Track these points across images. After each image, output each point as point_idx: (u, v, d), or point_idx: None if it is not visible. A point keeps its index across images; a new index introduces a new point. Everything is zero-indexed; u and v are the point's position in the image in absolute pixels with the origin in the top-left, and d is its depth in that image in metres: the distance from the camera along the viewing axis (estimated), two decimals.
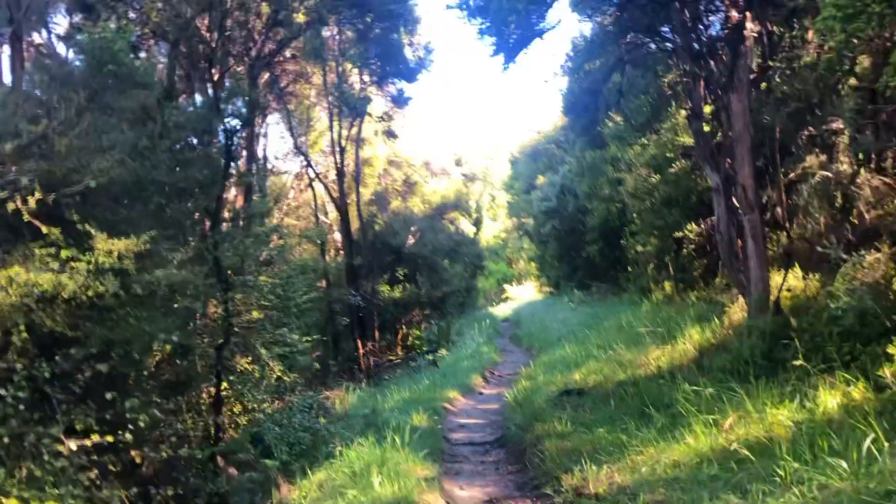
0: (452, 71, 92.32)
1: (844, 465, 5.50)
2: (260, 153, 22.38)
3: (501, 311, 40.92)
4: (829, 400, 7.63)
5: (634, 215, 20.18)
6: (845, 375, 8.02)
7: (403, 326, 24.49)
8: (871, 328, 8.55)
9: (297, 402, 12.62)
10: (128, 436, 6.69)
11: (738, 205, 11.92)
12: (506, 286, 53.43)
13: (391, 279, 23.89)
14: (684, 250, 15.61)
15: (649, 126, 17.46)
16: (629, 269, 21.37)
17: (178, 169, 9.79)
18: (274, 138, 45.91)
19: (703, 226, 14.96)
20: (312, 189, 21.51)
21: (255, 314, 12.99)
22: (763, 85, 13.14)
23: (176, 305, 9.13)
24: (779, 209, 13.44)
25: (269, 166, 19.70)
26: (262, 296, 13.31)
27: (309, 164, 20.57)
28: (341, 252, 21.00)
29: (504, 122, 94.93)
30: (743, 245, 12.02)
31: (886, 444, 5.59)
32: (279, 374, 13.24)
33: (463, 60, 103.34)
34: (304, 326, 16.01)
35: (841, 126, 12.93)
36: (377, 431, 11.10)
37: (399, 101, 20.13)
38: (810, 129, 13.16)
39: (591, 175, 23.94)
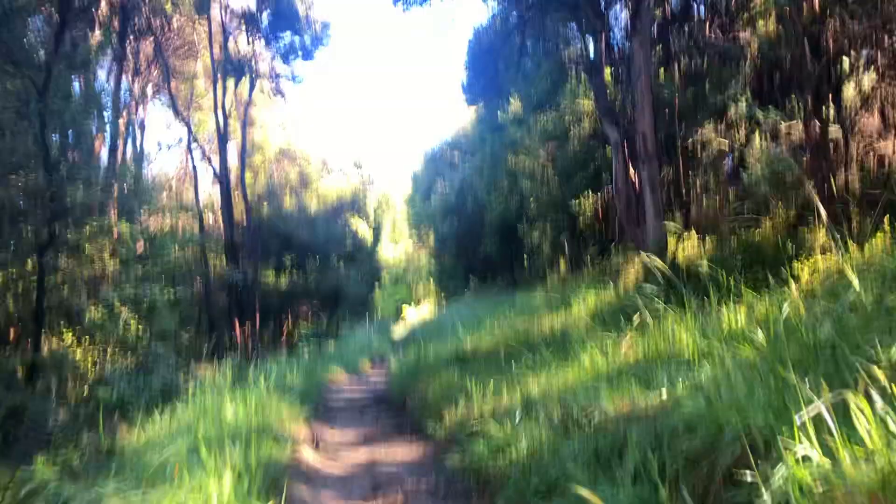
0: (357, 75, 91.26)
1: None
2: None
3: (397, 330, 40.01)
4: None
5: (531, 200, 19.77)
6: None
7: (289, 320, 23.00)
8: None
9: (157, 358, 11.20)
10: None
11: (637, 155, 11.50)
12: (405, 306, 52.70)
13: (278, 267, 22.42)
14: (581, 222, 15.16)
15: (549, 102, 17.08)
16: (525, 259, 20.86)
17: None
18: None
19: (599, 194, 14.54)
20: (191, 157, 19.95)
21: (108, 260, 11.52)
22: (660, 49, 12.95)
23: None
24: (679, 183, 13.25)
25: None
26: (119, 244, 11.85)
27: (189, 130, 19.01)
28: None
29: (407, 131, 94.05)
30: (640, 196, 11.58)
31: None
32: (136, 331, 11.80)
33: (368, 67, 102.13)
34: (173, 294, 14.56)
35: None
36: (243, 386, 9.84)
37: (288, 55, 18.89)
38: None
39: (491, 168, 23.43)
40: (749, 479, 2.99)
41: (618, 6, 11.90)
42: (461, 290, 32.05)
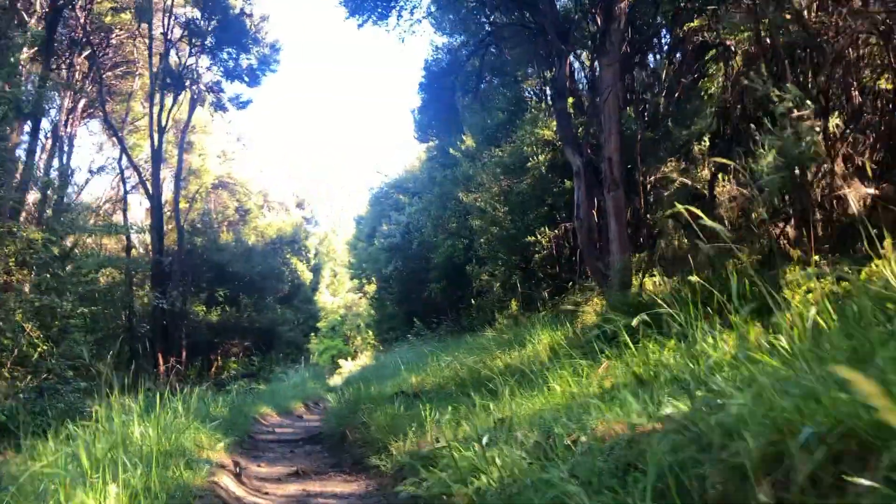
0: (306, 101, 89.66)
1: None
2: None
3: (334, 381, 38.43)
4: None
5: (482, 241, 19.06)
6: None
7: (219, 357, 21.48)
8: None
9: (63, 381, 9.83)
10: None
11: (602, 183, 10.89)
12: (340, 361, 51.30)
13: (209, 300, 20.99)
14: (535, 258, 14.45)
15: (506, 136, 16.55)
16: (473, 301, 20.01)
17: None
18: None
19: (555, 231, 13.88)
20: (123, 180, 18.59)
21: (13, 269, 10.23)
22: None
23: None
24: (642, 215, 12.70)
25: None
26: (29, 250, 10.57)
27: (122, 146, 17.72)
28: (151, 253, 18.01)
29: (353, 170, 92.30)
30: (604, 227, 10.93)
31: None
32: (41, 349, 10.42)
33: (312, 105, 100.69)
34: (87, 318, 13.20)
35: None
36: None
37: (234, 73, 17.91)
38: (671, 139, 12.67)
39: (440, 207, 22.72)
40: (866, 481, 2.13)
41: (584, 26, 11.43)
42: (403, 336, 30.98)
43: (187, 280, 18.37)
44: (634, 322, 5.00)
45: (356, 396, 11.58)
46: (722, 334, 7.01)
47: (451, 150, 20.36)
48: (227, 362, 21.57)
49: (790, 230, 9.55)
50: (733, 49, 11.77)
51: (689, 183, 12.82)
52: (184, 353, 17.87)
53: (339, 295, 60.13)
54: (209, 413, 9.50)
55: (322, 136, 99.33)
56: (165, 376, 16.11)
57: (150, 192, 16.86)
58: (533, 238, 13.91)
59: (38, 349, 10.32)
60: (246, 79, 18.94)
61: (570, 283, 14.39)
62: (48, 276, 10.74)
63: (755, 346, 5.83)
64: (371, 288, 42.47)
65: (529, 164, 13.56)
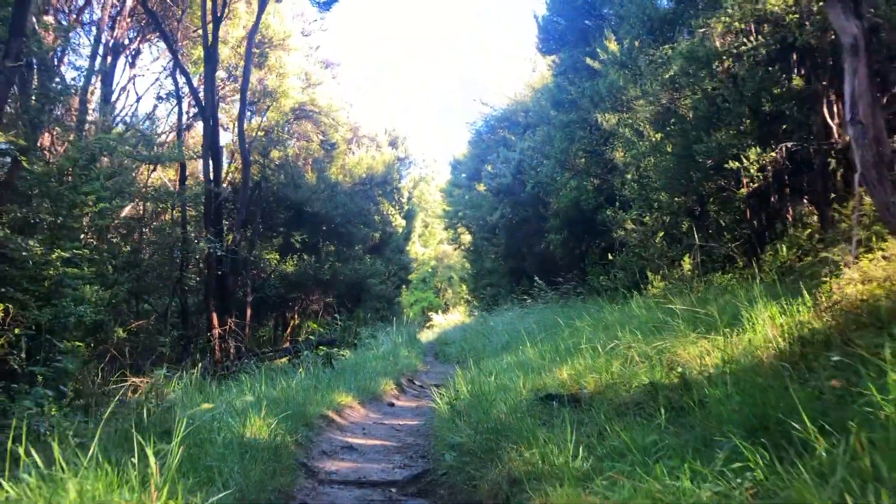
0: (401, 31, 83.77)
1: None
2: None
3: (425, 336, 34.76)
4: None
5: (629, 178, 14.51)
6: None
7: (295, 316, 17.89)
8: None
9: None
10: None
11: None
12: (431, 315, 48.07)
13: (284, 247, 17.35)
14: (740, 194, 9.91)
15: (678, 28, 11.89)
16: (610, 256, 15.57)
17: None
18: None
19: (774, 153, 9.23)
20: (175, 83, 14.85)
21: None
22: None
23: None
24: None
25: None
26: None
27: (175, 56, 13.91)
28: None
29: (451, 105, 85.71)
30: None
31: None
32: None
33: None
34: (111, 265, 9.57)
35: None
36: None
37: None
38: None
39: (564, 138, 18.17)
40: None
41: None
42: (505, 294, 26.81)
43: (254, 221, 14.70)
44: None
45: (475, 397, 7.51)
46: None
47: (589, 61, 15.72)
48: (306, 322, 17.96)
49: None
50: None
51: None
52: (248, 313, 14.32)
53: (431, 246, 57.10)
54: (242, 434, 5.65)
55: (419, 62, 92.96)
56: (221, 343, 12.52)
57: (202, 102, 13.07)
58: (735, 165, 9.30)
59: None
60: None
61: (782, 232, 9.80)
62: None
63: None
64: (466, 239, 38.47)
65: (744, 46, 8.88)
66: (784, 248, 9.40)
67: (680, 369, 6.54)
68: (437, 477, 5.44)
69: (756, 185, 9.33)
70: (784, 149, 9.25)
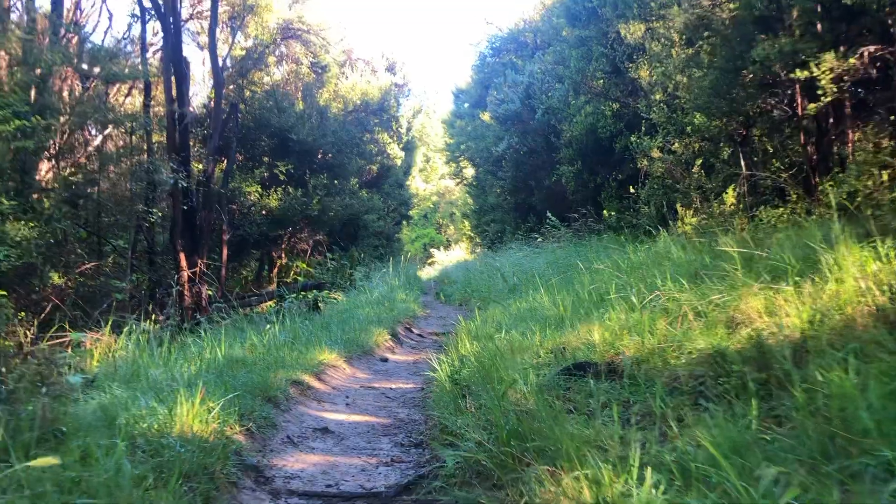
0: None
1: None
2: None
3: (426, 273, 33.20)
4: None
5: (656, 99, 12.72)
6: None
7: (283, 255, 16.29)
8: None
9: None
10: None
11: None
12: (433, 251, 46.68)
13: (268, 179, 15.62)
14: (810, 109, 8.16)
15: None
16: (633, 189, 13.90)
17: None
18: None
19: (855, 58, 7.41)
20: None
21: None
22: None
23: None
24: None
25: None
26: None
27: None
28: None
29: (452, 28, 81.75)
30: None
31: None
32: None
33: None
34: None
35: None
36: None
37: None
38: None
39: (581, 57, 16.21)
40: None
41: None
42: (511, 231, 25.14)
43: (230, 149, 12.93)
44: None
45: (482, 365, 5.94)
46: None
47: None
48: (295, 262, 16.36)
49: None
50: None
51: None
52: (224, 252, 12.72)
53: (432, 181, 55.50)
54: (165, 429, 4.10)
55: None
56: (192, 288, 10.94)
57: (161, 3, 11.08)
58: (804, 74, 7.51)
59: None
60: None
61: (845, 159, 8.10)
62: None
63: None
64: (469, 173, 36.62)
65: None
66: (852, 178, 7.73)
67: (750, 331, 4.97)
68: (434, 489, 3.92)
69: (829, 98, 7.55)
70: (866, 54, 7.46)
